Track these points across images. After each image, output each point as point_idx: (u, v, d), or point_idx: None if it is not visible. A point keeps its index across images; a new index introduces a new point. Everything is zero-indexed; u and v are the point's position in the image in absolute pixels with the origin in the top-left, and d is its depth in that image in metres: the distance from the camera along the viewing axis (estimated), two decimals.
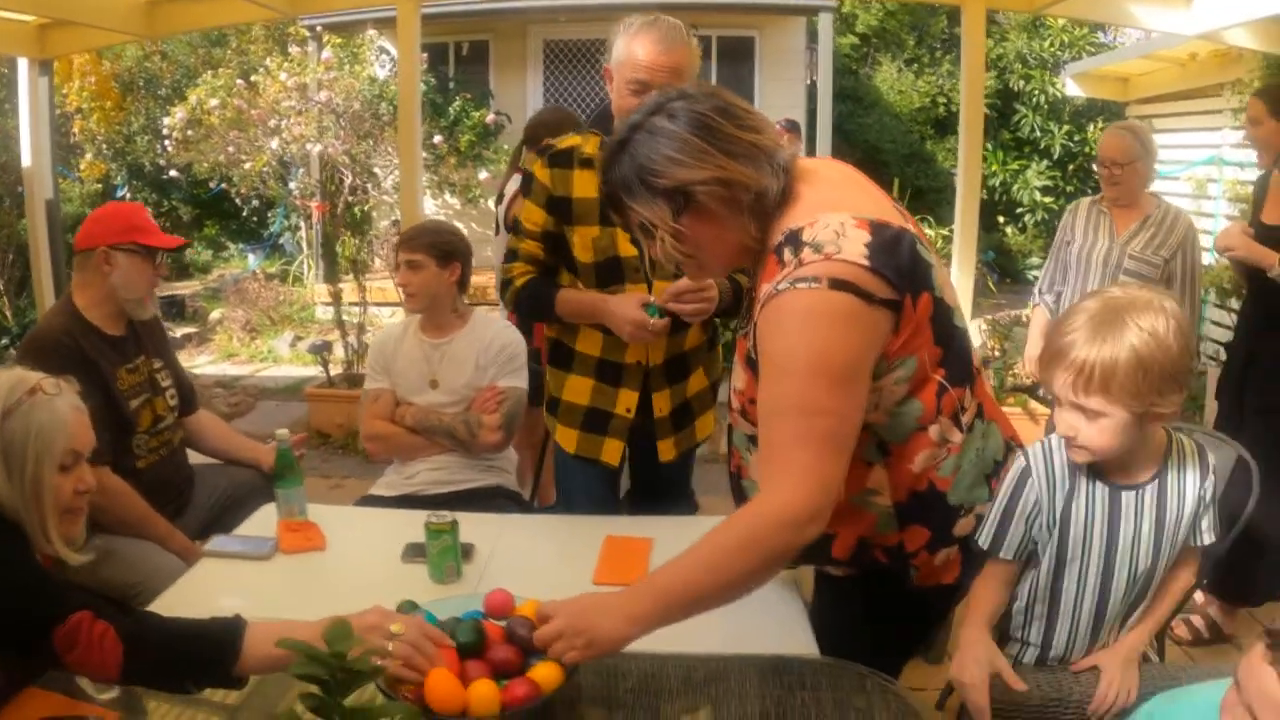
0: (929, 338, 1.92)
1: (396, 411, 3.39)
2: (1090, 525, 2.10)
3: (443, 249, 3.35)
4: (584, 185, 2.82)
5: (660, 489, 3.23)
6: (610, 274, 2.88)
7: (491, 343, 3.39)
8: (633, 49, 2.66)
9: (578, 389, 3.03)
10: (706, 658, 2.04)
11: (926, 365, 1.92)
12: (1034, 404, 6.35)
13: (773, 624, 2.26)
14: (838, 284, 1.75)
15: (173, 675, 1.78)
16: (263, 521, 2.85)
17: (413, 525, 2.56)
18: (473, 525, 2.63)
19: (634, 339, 2.81)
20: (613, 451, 3.04)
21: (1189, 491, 2.09)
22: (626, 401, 2.98)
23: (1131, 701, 2.07)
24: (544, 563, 2.61)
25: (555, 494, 4.82)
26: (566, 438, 3.08)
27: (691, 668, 2.02)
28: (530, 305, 3.01)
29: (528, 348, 4.30)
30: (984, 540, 2.09)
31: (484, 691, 1.69)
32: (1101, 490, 2.10)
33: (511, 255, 2.99)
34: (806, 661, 2.08)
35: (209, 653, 1.76)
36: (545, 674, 1.74)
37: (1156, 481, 2.09)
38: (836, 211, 1.84)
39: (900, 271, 1.81)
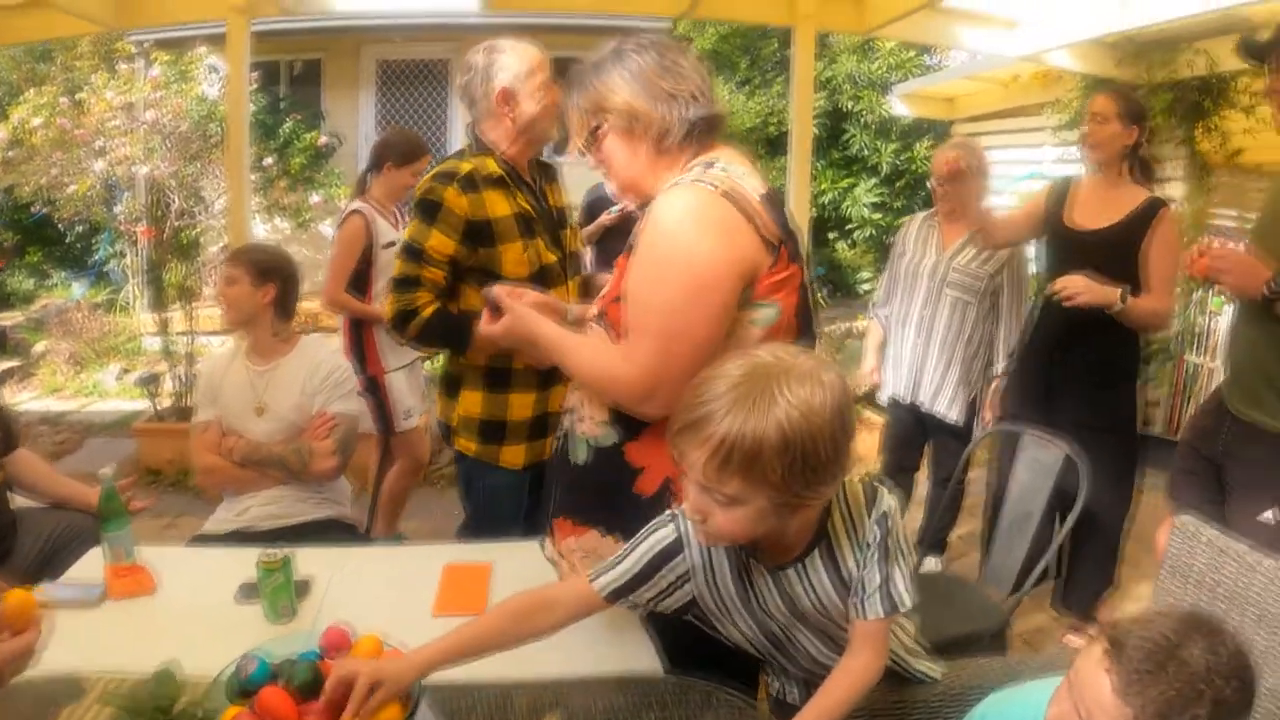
0: (794, 306, 2.05)
1: (224, 444, 3.29)
2: (767, 605, 1.90)
3: (260, 266, 3.30)
4: (496, 204, 2.93)
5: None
6: (542, 283, 2.93)
7: (318, 368, 3.34)
8: (529, 56, 2.97)
9: (522, 404, 3.06)
10: (552, 682, 2.03)
11: (783, 330, 2.02)
12: (868, 413, 6.52)
13: (616, 644, 2.25)
14: (730, 195, 1.96)
15: None
16: (92, 565, 2.70)
17: (246, 564, 2.46)
18: (308, 559, 2.57)
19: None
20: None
21: (864, 537, 1.83)
22: (559, 396, 2.99)
23: None
24: (382, 595, 2.54)
25: (395, 525, 4.76)
26: (515, 455, 3.08)
27: (538, 694, 2.00)
28: (443, 334, 3.00)
29: (363, 375, 4.26)
30: (603, 588, 1.90)
31: None
32: (762, 570, 1.87)
33: (411, 283, 2.93)
34: (652, 680, 2.08)
35: None
36: (385, 714, 1.70)
37: (818, 547, 1.84)
38: (754, 176, 2.07)
39: (785, 228, 2.01)
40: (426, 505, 5.33)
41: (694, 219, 1.95)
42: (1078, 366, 3.82)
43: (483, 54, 2.98)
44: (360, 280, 4.46)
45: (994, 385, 4.46)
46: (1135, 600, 4.34)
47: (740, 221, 1.95)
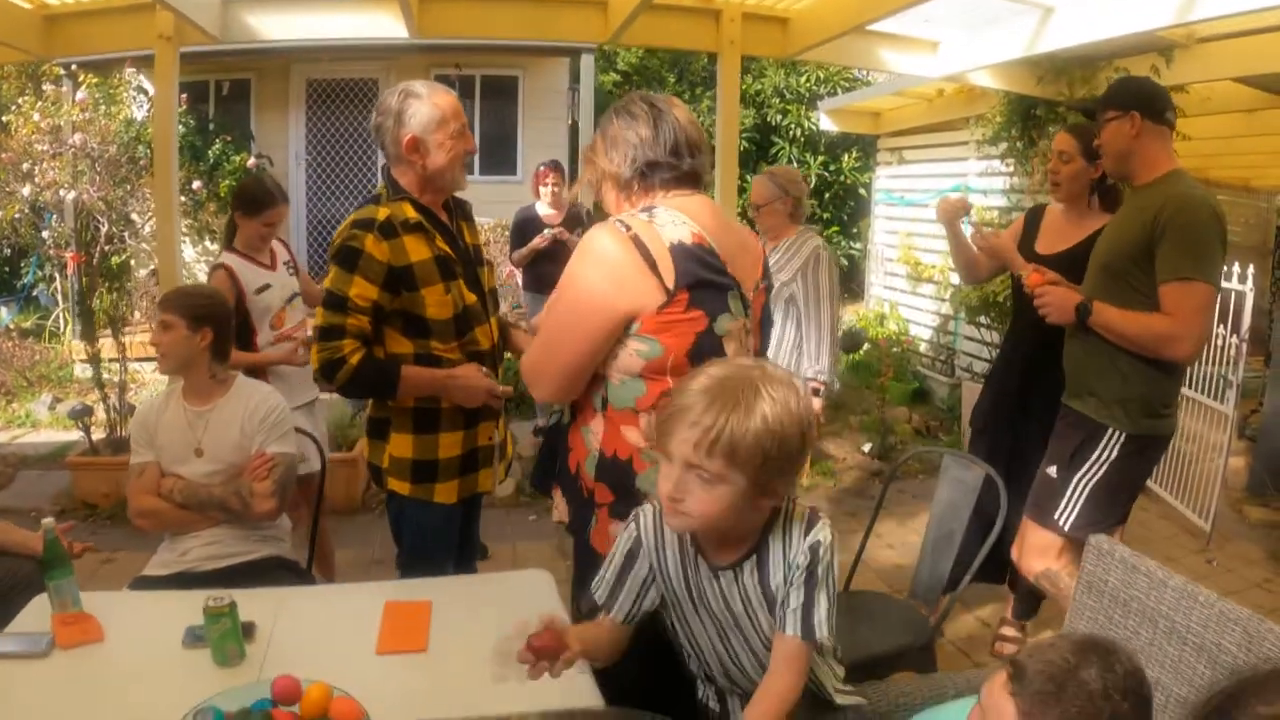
0: (685, 348, 2.30)
1: (163, 484, 3.27)
2: (708, 602, 2.10)
3: (195, 312, 3.30)
4: (417, 249, 2.98)
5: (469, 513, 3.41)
6: (465, 323, 3.09)
7: (257, 409, 3.34)
8: (441, 105, 3.01)
9: (451, 442, 3.14)
10: (496, 719, 2.08)
11: (667, 364, 2.30)
12: None
13: (557, 681, 2.30)
14: (636, 239, 2.24)
15: None
16: (36, 616, 2.67)
17: (191, 607, 2.48)
18: (251, 602, 2.56)
19: (484, 403, 3.09)
20: (487, 479, 3.26)
21: (795, 558, 2.00)
22: (488, 431, 3.21)
23: None
24: (327, 635, 2.59)
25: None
26: (449, 491, 3.16)
27: None
28: (370, 383, 3.05)
29: None
30: (599, 596, 2.17)
31: None
32: (705, 570, 2.07)
33: (337, 332, 2.94)
34: (593, 713, 2.14)
35: None
36: None
37: (755, 557, 2.03)
38: (696, 221, 2.34)
39: (689, 276, 2.26)
40: (366, 534, 5.33)
41: (592, 254, 2.30)
42: (1045, 380, 3.91)
43: (396, 98, 3.01)
44: (243, 331, 4.27)
45: (810, 389, 4.67)
46: None
47: (635, 264, 2.24)
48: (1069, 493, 3.47)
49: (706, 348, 2.30)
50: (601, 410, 2.43)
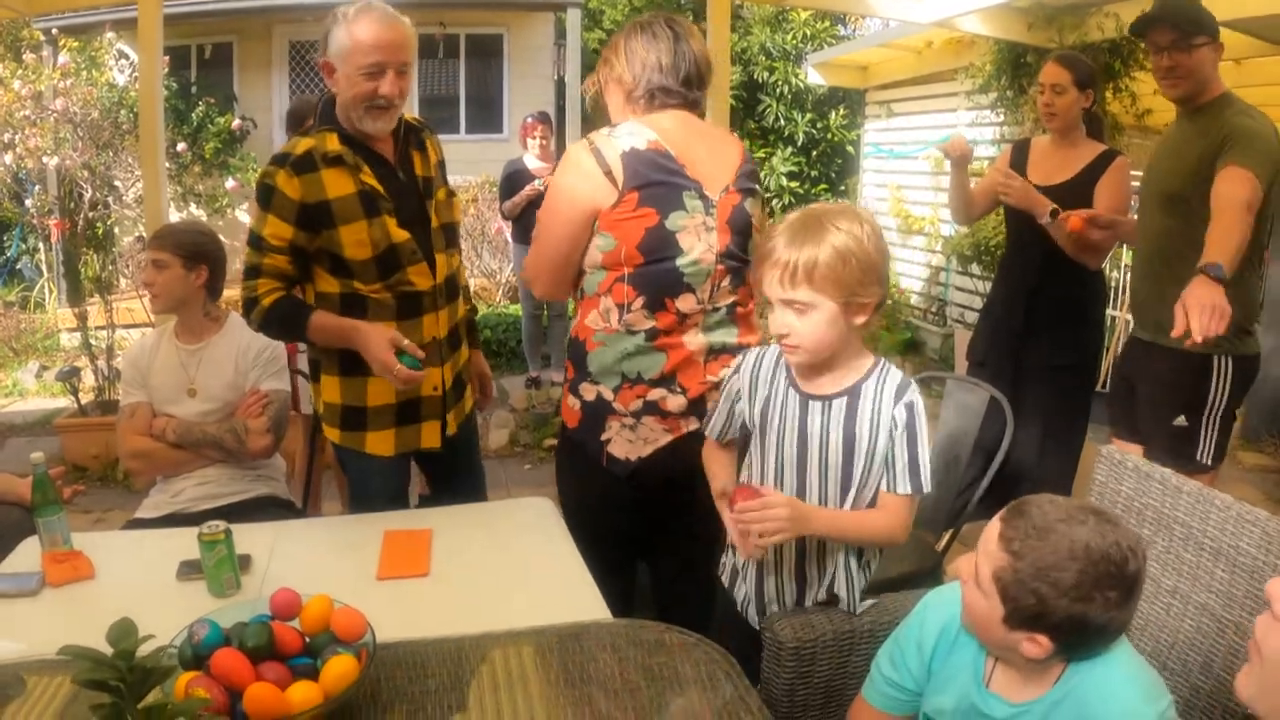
0: (636, 241, 2.51)
1: (155, 424, 3.20)
2: (783, 430, 2.21)
3: (190, 249, 3.21)
4: (337, 184, 2.75)
5: (452, 461, 3.21)
6: (390, 263, 2.82)
7: (250, 345, 3.27)
8: (357, 35, 2.69)
9: (382, 389, 2.89)
10: (504, 634, 2.05)
11: (621, 255, 2.53)
12: None
13: (565, 595, 2.29)
14: (597, 150, 2.52)
15: None
16: (26, 557, 2.62)
17: (185, 542, 2.44)
18: (247, 536, 2.52)
19: (380, 375, 2.77)
20: (432, 434, 3.00)
21: (883, 413, 2.09)
22: (433, 380, 2.95)
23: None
24: (324, 564, 2.55)
25: (342, 503, 4.64)
26: (382, 442, 2.96)
27: (489, 646, 2.01)
28: (281, 325, 2.88)
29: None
30: (712, 429, 2.41)
31: (305, 692, 1.67)
32: (794, 397, 2.19)
33: (254, 271, 2.79)
34: (604, 625, 2.12)
35: None
36: (341, 668, 1.71)
37: (847, 397, 2.13)
38: (658, 131, 2.55)
39: (637, 177, 2.50)
40: None
41: (563, 164, 2.62)
42: (1046, 308, 4.00)
43: (332, 17, 2.76)
44: None
45: None
46: None
47: (592, 170, 2.52)
48: (1204, 431, 3.47)
49: (656, 241, 2.52)
50: (579, 301, 2.71)
